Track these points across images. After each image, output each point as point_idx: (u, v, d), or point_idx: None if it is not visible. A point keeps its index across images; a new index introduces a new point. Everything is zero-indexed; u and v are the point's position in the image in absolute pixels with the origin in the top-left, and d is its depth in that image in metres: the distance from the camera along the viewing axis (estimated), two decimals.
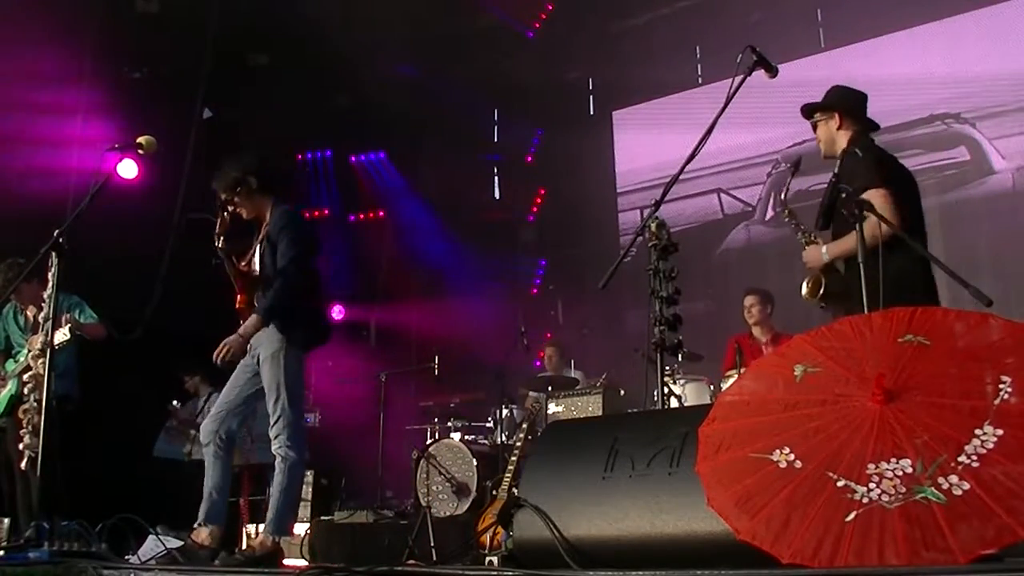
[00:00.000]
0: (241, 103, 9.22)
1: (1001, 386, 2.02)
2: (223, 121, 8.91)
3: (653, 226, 3.83)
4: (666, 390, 4.23)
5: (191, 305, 4.43)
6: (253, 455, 6.58)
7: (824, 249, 3.86)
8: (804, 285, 3.91)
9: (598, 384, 6.84)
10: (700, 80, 9.54)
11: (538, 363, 7.93)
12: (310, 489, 6.74)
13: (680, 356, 4.26)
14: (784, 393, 2.29)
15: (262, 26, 8.52)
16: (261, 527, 4.25)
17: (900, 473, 1.93)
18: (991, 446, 1.91)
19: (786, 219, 4.09)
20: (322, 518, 6.22)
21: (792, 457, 2.08)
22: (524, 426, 5.91)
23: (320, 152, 10.47)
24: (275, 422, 4.04)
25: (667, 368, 4.48)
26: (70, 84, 7.44)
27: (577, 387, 6.91)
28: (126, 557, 3.85)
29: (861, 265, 3.33)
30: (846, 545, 1.86)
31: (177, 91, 8.23)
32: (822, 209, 3.95)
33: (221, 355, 3.99)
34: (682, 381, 5.98)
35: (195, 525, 4.03)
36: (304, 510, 6.57)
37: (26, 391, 4.95)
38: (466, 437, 6.89)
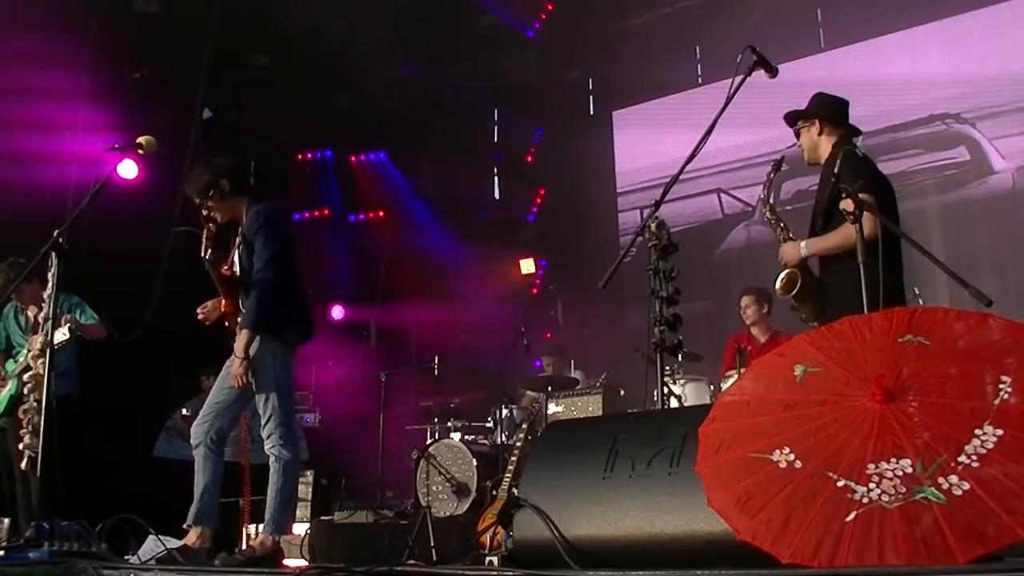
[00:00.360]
0: (241, 103, 9.22)
1: (1001, 386, 2.02)
2: (223, 121, 8.91)
3: (653, 226, 3.83)
4: (666, 390, 4.23)
5: (191, 305, 4.42)
6: (253, 455, 6.58)
7: (803, 244, 3.84)
8: (778, 280, 3.90)
9: (598, 384, 6.84)
10: (700, 80, 9.54)
11: (538, 363, 7.93)
12: (310, 489, 6.74)
13: (680, 356, 4.26)
14: (784, 393, 2.29)
15: (262, 26, 8.51)
16: (261, 527, 4.25)
17: (900, 473, 1.93)
18: (991, 446, 1.91)
19: (768, 216, 4.09)
20: (322, 518, 6.22)
21: (792, 457, 2.08)
22: (524, 426, 5.91)
23: (320, 152, 10.47)
24: (266, 422, 4.04)
25: (667, 368, 4.49)
26: (70, 84, 7.44)
27: (577, 387, 6.91)
28: (126, 557, 3.85)
29: (861, 265, 3.33)
30: (846, 545, 1.86)
31: (177, 91, 8.22)
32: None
33: (238, 386, 3.98)
34: (682, 381, 5.98)
35: (184, 526, 4.02)
36: (304, 510, 6.58)
37: (26, 391, 4.95)
38: (466, 437, 6.89)
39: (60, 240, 3.77)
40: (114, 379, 6.54)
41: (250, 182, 4.41)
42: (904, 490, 1.89)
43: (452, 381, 7.57)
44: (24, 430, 4.86)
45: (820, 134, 3.99)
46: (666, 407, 4.09)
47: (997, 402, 2.00)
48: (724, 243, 9.26)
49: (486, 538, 3.84)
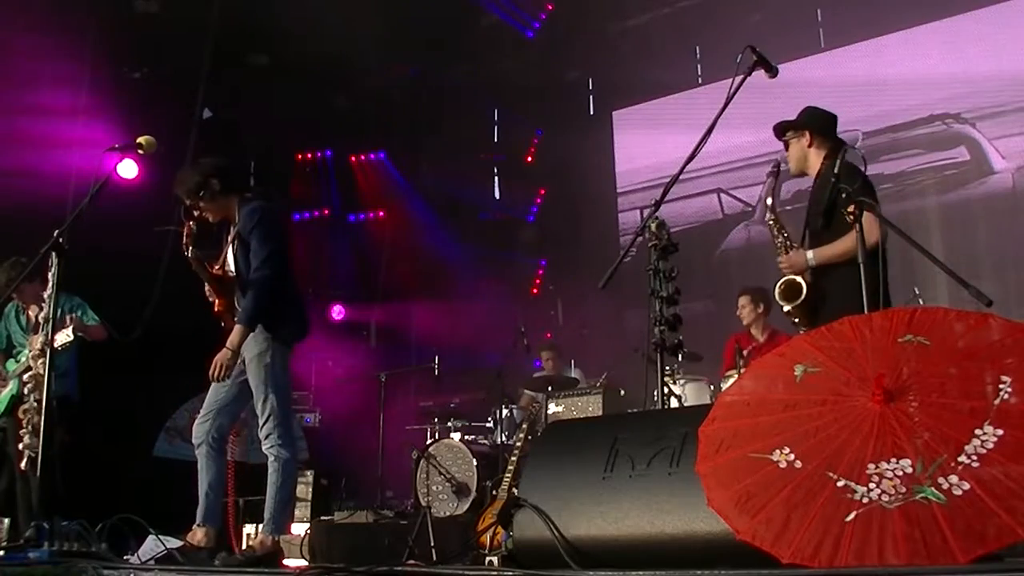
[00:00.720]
0: (241, 103, 9.22)
1: (1001, 386, 2.02)
2: (223, 121, 8.91)
3: (653, 226, 3.83)
4: (666, 390, 4.23)
5: (191, 305, 4.41)
6: (251, 455, 6.59)
7: (811, 254, 3.86)
8: (777, 287, 3.90)
9: (598, 384, 6.84)
10: (700, 80, 9.54)
11: (538, 363, 7.93)
12: (310, 489, 6.74)
13: (680, 356, 4.26)
14: (784, 393, 2.29)
15: (262, 26, 8.51)
16: (261, 527, 4.25)
17: (900, 473, 1.93)
18: (991, 446, 1.91)
19: (771, 222, 4.09)
20: (322, 518, 6.22)
21: (792, 457, 2.08)
22: (524, 426, 5.91)
23: (320, 152, 10.47)
24: (264, 422, 4.03)
25: (667, 368, 4.48)
26: (70, 84, 7.44)
27: (577, 387, 6.92)
28: (126, 557, 3.85)
29: (862, 266, 3.34)
30: (846, 545, 1.86)
31: (177, 91, 8.23)
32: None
33: (216, 374, 3.96)
34: (682, 381, 5.98)
35: (195, 526, 4.02)
36: (304, 510, 6.58)
37: (26, 391, 4.95)
38: (466, 437, 6.89)
39: (60, 240, 3.77)
40: (114, 379, 6.54)
41: (240, 180, 4.39)
42: (904, 490, 1.89)
43: (452, 381, 7.57)
44: (24, 430, 4.86)
45: (810, 146, 4.05)
46: (666, 407, 4.09)
47: (997, 402, 2.00)
48: (724, 243, 9.26)
49: (486, 538, 3.84)
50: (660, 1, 9.27)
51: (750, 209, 9.07)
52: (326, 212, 10.46)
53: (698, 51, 9.63)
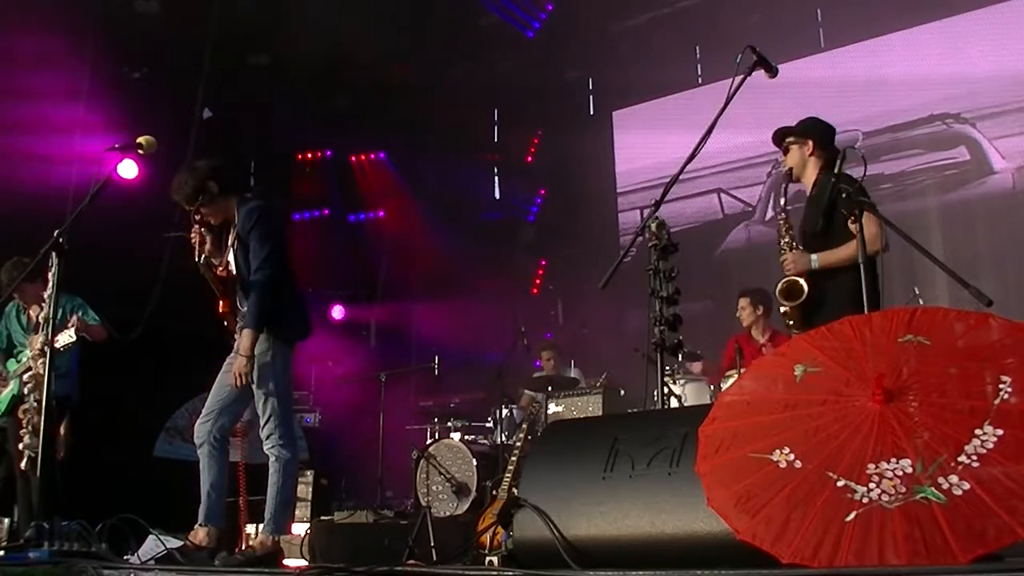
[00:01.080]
0: (241, 103, 9.22)
1: (1001, 386, 2.02)
2: (223, 121, 8.91)
3: (653, 226, 3.83)
4: (666, 390, 4.23)
5: (191, 305, 4.42)
6: (251, 455, 6.59)
7: (815, 257, 3.87)
8: (779, 286, 3.90)
9: (598, 384, 6.84)
10: (700, 80, 9.54)
11: (538, 363, 7.93)
12: (310, 489, 6.74)
13: (680, 356, 4.26)
14: (784, 393, 2.29)
15: (262, 26, 8.51)
16: (261, 527, 4.24)
17: (900, 473, 1.93)
18: (991, 446, 1.91)
19: (781, 221, 4.09)
20: (322, 518, 6.22)
21: (792, 457, 2.08)
22: (524, 426, 5.91)
23: (320, 152, 10.47)
24: (265, 422, 4.02)
25: (667, 368, 4.48)
26: (70, 84, 7.44)
27: (577, 387, 6.92)
28: (126, 557, 3.85)
29: (862, 266, 3.34)
30: (846, 545, 1.86)
31: (177, 91, 8.23)
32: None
33: (238, 383, 3.95)
34: (682, 381, 5.98)
35: (197, 525, 4.02)
36: (304, 510, 6.58)
37: (26, 391, 4.95)
38: (466, 437, 6.89)
39: (60, 240, 3.77)
40: (114, 379, 6.54)
41: (237, 180, 4.38)
42: (904, 490, 1.89)
43: (452, 381, 7.57)
44: (24, 430, 4.86)
45: (811, 155, 4.06)
46: (666, 407, 4.09)
47: (997, 402, 2.00)
48: (724, 243, 9.26)
49: (486, 538, 3.84)
50: (660, 1, 9.27)
51: (750, 209, 9.07)
52: (326, 212, 10.46)
53: (698, 51, 9.63)
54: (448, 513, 6.05)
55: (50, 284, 3.91)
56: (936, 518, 1.82)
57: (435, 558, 4.60)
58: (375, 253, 10.55)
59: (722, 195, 9.24)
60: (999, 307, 2.69)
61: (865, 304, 3.28)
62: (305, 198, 10.34)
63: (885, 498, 1.89)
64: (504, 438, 6.59)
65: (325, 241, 10.28)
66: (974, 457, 1.90)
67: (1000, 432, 1.93)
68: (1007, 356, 2.09)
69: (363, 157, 10.58)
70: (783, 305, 3.90)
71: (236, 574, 3.63)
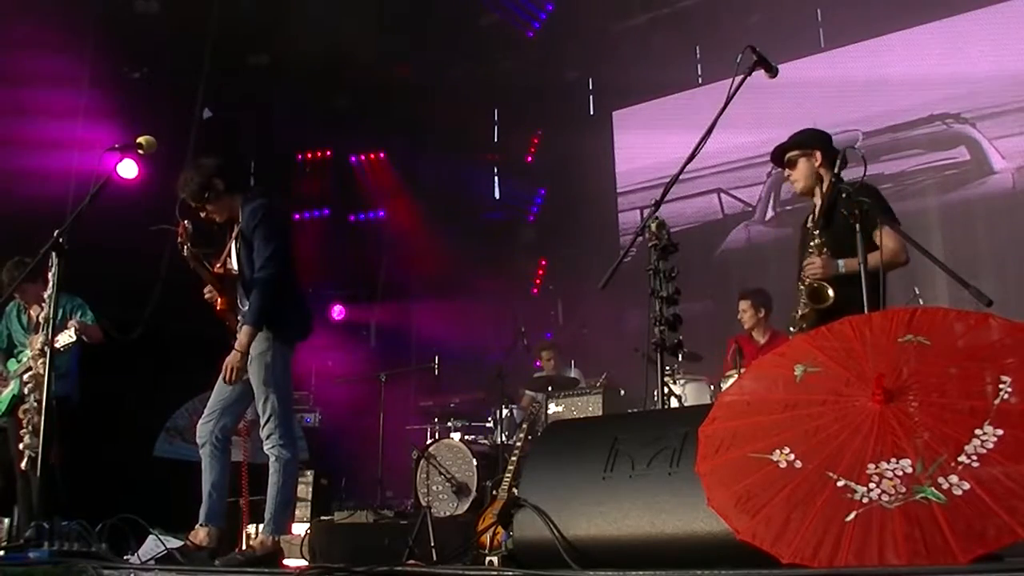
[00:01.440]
0: (241, 103, 9.22)
1: (1001, 386, 2.02)
2: (223, 121, 8.91)
3: (653, 226, 3.83)
4: (666, 390, 4.23)
5: (191, 305, 4.41)
6: (255, 455, 6.59)
7: (841, 263, 3.85)
8: (807, 287, 3.88)
9: (598, 384, 6.85)
10: (700, 80, 9.54)
11: (538, 363, 7.93)
12: (310, 489, 6.74)
13: (680, 356, 4.25)
14: (784, 393, 2.29)
15: (262, 26, 8.52)
16: (261, 527, 4.24)
17: (900, 473, 1.93)
18: (991, 446, 1.91)
19: (815, 234, 4.04)
20: (322, 518, 6.22)
21: (792, 457, 2.08)
22: (524, 426, 5.92)
23: (320, 152, 10.46)
24: (265, 422, 4.02)
25: (667, 368, 4.48)
26: (70, 84, 7.44)
27: (577, 387, 6.92)
28: (126, 557, 3.85)
29: (862, 266, 3.34)
30: (846, 545, 1.86)
31: (177, 91, 8.23)
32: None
33: (228, 377, 3.96)
34: (682, 381, 5.98)
35: (198, 525, 4.02)
36: (304, 510, 6.58)
37: (27, 391, 4.95)
38: (466, 437, 6.89)
39: (60, 240, 3.77)
40: (114, 379, 6.54)
41: (242, 178, 4.39)
42: (904, 490, 1.89)
43: (452, 381, 7.57)
44: (24, 430, 4.86)
45: (820, 165, 4.01)
46: (666, 407, 4.09)
47: (997, 402, 1.99)
48: (724, 243, 9.26)
49: (486, 538, 3.84)
50: (660, 1, 9.27)
51: (750, 209, 9.07)
52: (326, 212, 10.46)
53: (698, 51, 9.63)
54: (448, 513, 6.05)
55: (50, 284, 3.91)
56: (936, 518, 1.82)
57: (435, 558, 4.60)
58: (375, 253, 10.55)
59: (722, 195, 9.24)
60: (999, 307, 2.68)
61: (865, 305, 3.28)
62: (305, 198, 10.33)
63: (885, 498, 1.89)
64: (504, 438, 6.59)
65: (325, 241, 10.28)
66: (974, 457, 1.90)
67: (1000, 432, 1.93)
68: (1007, 356, 2.09)
69: (363, 157, 10.58)
70: (808, 307, 3.89)
71: (236, 574, 3.63)
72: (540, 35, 9.72)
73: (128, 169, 5.92)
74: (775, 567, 1.93)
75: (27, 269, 4.60)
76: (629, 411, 5.85)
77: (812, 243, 3.99)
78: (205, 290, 4.17)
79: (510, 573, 2.71)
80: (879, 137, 8.18)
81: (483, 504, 5.75)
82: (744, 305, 6.27)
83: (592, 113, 10.55)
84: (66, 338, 4.84)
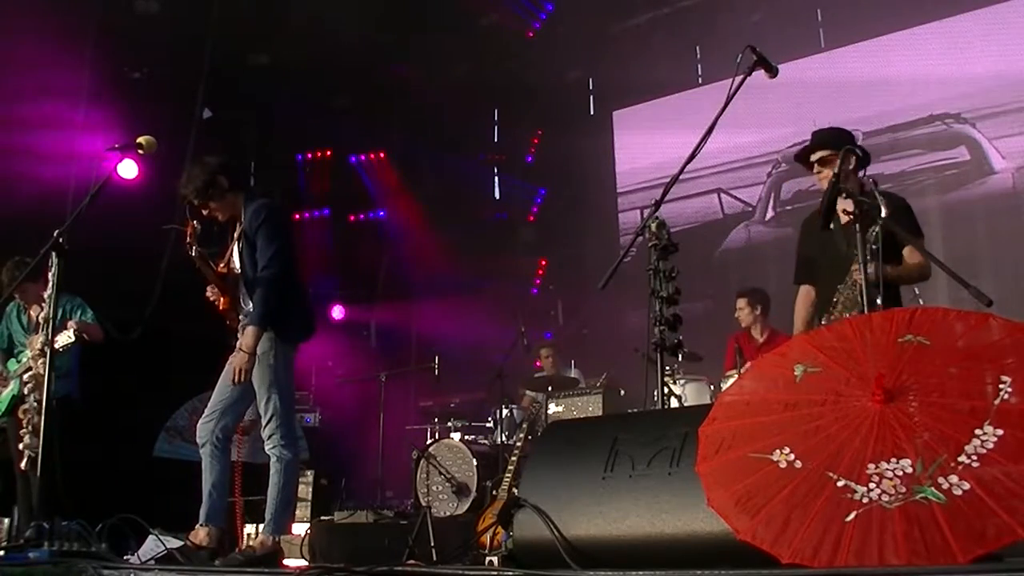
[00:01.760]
0: (241, 103, 9.22)
1: (1001, 386, 2.02)
2: (223, 121, 8.91)
3: (653, 226, 3.83)
4: (666, 390, 4.23)
5: (191, 305, 4.42)
6: (258, 455, 6.59)
7: (888, 269, 3.86)
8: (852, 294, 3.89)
9: (598, 384, 6.84)
10: (700, 80, 9.54)
11: (538, 363, 7.94)
12: (310, 489, 6.74)
13: (680, 356, 4.25)
14: (784, 393, 2.29)
15: (262, 26, 8.51)
16: (261, 527, 4.24)
17: (900, 473, 1.93)
18: (991, 446, 1.91)
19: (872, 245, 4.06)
20: (322, 518, 6.22)
21: (792, 457, 2.08)
22: (524, 426, 5.92)
23: (320, 152, 10.47)
24: (267, 422, 4.01)
25: (667, 368, 4.48)
26: (70, 84, 7.44)
27: (577, 387, 6.92)
28: (126, 557, 3.85)
29: (861, 266, 3.34)
30: (846, 545, 1.86)
31: (177, 91, 8.23)
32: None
33: (237, 379, 3.94)
34: (682, 381, 5.98)
35: (198, 525, 4.02)
36: (304, 510, 6.58)
37: (27, 391, 4.95)
38: (466, 437, 6.89)
39: (60, 240, 3.77)
40: (114, 379, 6.54)
41: (244, 178, 4.39)
42: (904, 490, 1.89)
43: (452, 381, 7.57)
44: (24, 430, 4.86)
45: (853, 167, 4.01)
46: (666, 407, 4.09)
47: (997, 402, 1.99)
48: (724, 243, 9.26)
49: (486, 538, 3.84)
50: (660, 1, 9.28)
51: (750, 209, 9.07)
52: (326, 212, 10.46)
53: (698, 51, 9.64)
54: (448, 513, 6.05)
55: (50, 284, 3.91)
56: (936, 518, 1.82)
57: (435, 558, 4.60)
58: (375, 253, 10.55)
59: (722, 195, 9.24)
60: (999, 307, 2.68)
61: (866, 306, 3.28)
62: (305, 198, 10.34)
63: (885, 498, 1.89)
64: (504, 438, 6.59)
65: (325, 241, 10.29)
66: (974, 457, 1.90)
67: (1000, 432, 1.92)
68: (1007, 356, 2.09)
69: (363, 157, 10.58)
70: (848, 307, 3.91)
71: (236, 574, 3.63)
72: (540, 35, 9.72)
73: (128, 169, 5.93)
74: (775, 567, 1.92)
75: (27, 269, 4.60)
76: (629, 411, 5.85)
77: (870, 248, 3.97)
78: (208, 289, 4.17)
79: (510, 573, 2.71)
80: (879, 137, 8.17)
81: (483, 504, 5.75)
82: (741, 303, 6.30)
83: (592, 113, 10.55)
84: (65, 339, 4.84)
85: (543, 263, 10.64)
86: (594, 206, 10.21)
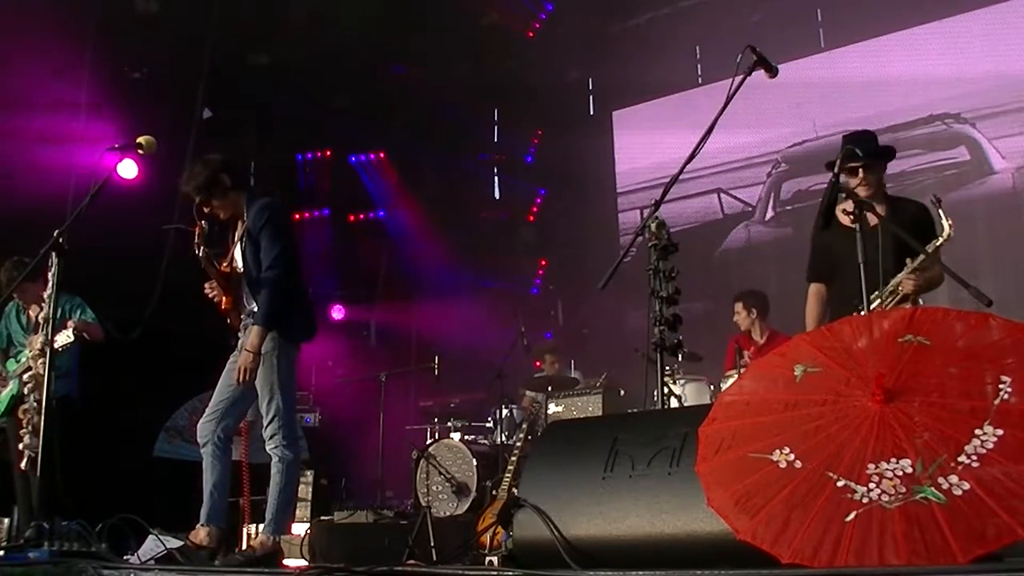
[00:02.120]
0: (241, 103, 9.22)
1: (1001, 386, 2.02)
2: (223, 121, 8.91)
3: (653, 226, 3.83)
4: (666, 390, 4.23)
5: (191, 304, 4.42)
6: (253, 455, 6.59)
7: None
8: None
9: (598, 384, 6.84)
10: (700, 80, 9.54)
11: (538, 363, 7.93)
12: (310, 489, 6.73)
13: (680, 356, 4.26)
14: (784, 393, 2.29)
15: (262, 26, 8.51)
16: (261, 527, 4.24)
17: (900, 473, 1.93)
18: (991, 446, 1.91)
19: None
20: (322, 518, 6.21)
21: (792, 457, 2.08)
22: (524, 426, 5.92)
23: (320, 152, 10.46)
24: (269, 422, 4.01)
25: (667, 368, 4.48)
26: (70, 84, 7.44)
27: (577, 387, 6.92)
28: (126, 557, 3.85)
29: (861, 266, 3.35)
30: (846, 545, 1.86)
31: (177, 91, 8.23)
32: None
33: (242, 379, 3.94)
34: (682, 381, 5.99)
35: (199, 525, 4.02)
36: (304, 510, 6.58)
37: (26, 391, 4.95)
38: (466, 437, 6.89)
39: (60, 240, 3.77)
40: (114, 379, 6.54)
41: (246, 177, 4.38)
42: (904, 490, 1.89)
43: (452, 381, 7.57)
44: (24, 430, 4.86)
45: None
46: (666, 407, 4.09)
47: (997, 402, 1.99)
48: (724, 243, 9.26)
49: (486, 538, 3.84)
50: (660, 1, 9.28)
51: (750, 209, 9.07)
52: (326, 212, 10.46)
53: (698, 51, 9.64)
54: (448, 513, 6.05)
55: (50, 284, 3.91)
56: (936, 518, 1.82)
57: (435, 558, 4.60)
58: (375, 253, 10.55)
59: (722, 195, 9.24)
60: (999, 307, 2.69)
61: (866, 306, 3.28)
62: (305, 198, 10.33)
63: (885, 498, 1.89)
64: (504, 438, 6.59)
65: (325, 241, 10.28)
66: (974, 457, 1.90)
67: (1000, 432, 1.93)
68: (1007, 356, 2.09)
69: (363, 157, 10.58)
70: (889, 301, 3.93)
71: (236, 574, 3.63)
72: (540, 35, 9.73)
73: (128, 169, 5.94)
74: (775, 567, 1.92)
75: (27, 269, 4.60)
76: (629, 411, 5.85)
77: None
78: (206, 285, 4.16)
79: (510, 573, 2.71)
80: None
81: (483, 504, 5.75)
82: (737, 307, 6.34)
83: (592, 113, 10.56)
84: (64, 338, 4.84)
85: (543, 263, 10.64)
86: (594, 206, 10.21)
